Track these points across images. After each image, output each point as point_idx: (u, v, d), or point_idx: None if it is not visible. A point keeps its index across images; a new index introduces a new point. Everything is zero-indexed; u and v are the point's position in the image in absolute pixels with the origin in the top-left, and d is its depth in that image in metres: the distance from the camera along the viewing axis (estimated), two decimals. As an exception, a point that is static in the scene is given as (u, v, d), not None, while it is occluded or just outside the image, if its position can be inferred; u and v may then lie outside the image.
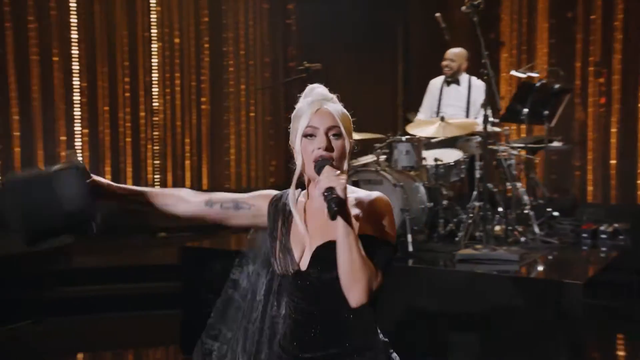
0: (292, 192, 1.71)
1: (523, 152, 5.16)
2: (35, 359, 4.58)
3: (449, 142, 4.96)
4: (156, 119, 7.15)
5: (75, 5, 6.64)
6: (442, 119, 4.57)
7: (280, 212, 1.72)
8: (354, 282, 1.55)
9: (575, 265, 4.32)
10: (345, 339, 1.65)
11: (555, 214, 5.11)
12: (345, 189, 1.53)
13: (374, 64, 7.62)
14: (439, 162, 4.64)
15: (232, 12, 7.45)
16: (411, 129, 4.59)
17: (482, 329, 3.56)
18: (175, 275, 4.78)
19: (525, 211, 4.76)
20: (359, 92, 6.39)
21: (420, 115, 5.40)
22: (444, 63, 5.22)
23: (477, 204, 4.38)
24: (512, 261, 3.89)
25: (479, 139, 4.61)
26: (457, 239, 4.42)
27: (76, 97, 6.69)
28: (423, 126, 4.67)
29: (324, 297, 1.64)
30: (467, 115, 5.12)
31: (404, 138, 4.62)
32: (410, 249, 4.24)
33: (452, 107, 5.18)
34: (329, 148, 1.63)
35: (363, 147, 4.93)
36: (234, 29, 7.49)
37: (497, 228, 4.65)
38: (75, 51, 6.66)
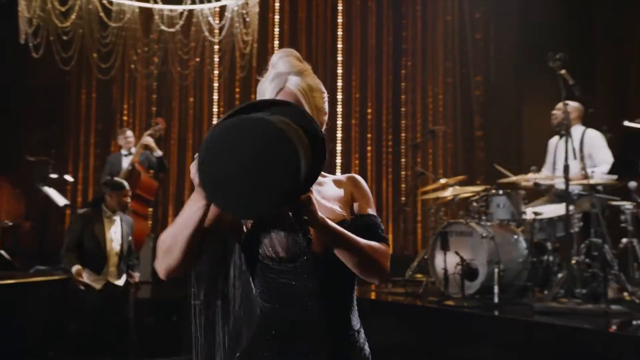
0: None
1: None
2: None
3: (559, 197, 4.82)
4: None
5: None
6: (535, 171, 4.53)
7: None
8: (374, 267, 1.45)
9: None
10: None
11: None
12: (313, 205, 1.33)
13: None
14: (537, 217, 4.58)
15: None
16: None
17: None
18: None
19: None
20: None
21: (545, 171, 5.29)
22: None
23: (576, 259, 4.23)
24: (596, 317, 3.71)
25: (597, 193, 4.48)
26: (546, 292, 4.30)
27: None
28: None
29: (330, 279, 1.47)
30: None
31: (500, 191, 4.67)
32: (496, 300, 4.23)
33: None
34: None
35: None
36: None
37: (613, 287, 4.39)
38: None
